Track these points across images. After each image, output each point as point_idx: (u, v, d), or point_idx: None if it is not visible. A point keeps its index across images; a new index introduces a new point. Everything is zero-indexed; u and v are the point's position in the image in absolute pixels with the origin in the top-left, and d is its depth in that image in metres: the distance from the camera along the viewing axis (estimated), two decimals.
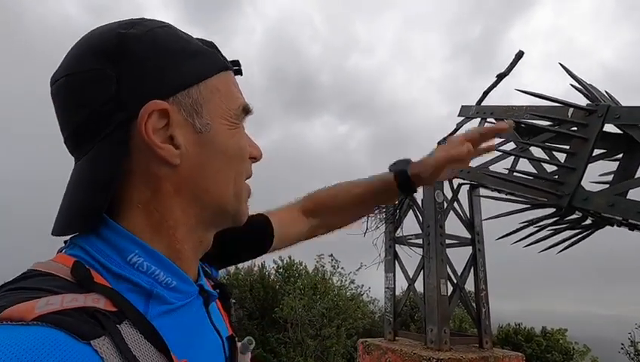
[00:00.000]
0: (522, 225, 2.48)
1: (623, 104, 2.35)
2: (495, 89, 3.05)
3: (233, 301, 0.61)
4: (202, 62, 0.47)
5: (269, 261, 10.46)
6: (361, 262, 9.01)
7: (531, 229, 2.50)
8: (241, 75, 0.55)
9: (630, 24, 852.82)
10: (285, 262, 10.29)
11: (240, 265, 10.21)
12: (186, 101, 0.44)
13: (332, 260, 9.72)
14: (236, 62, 0.54)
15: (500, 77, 2.94)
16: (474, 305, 3.18)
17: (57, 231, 0.43)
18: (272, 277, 10.01)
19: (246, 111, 0.52)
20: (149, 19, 0.47)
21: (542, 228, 2.45)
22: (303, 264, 10.36)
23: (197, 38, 0.50)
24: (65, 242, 0.44)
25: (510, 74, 2.97)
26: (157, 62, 0.43)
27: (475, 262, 3.12)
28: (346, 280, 9.63)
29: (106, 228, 0.42)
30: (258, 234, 0.78)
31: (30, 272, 0.38)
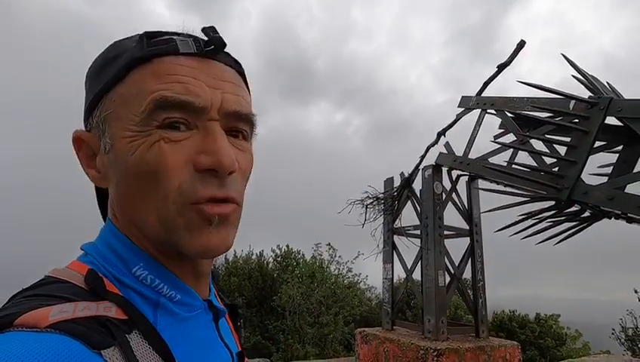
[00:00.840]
0: (521, 217, 2.49)
1: (622, 91, 2.33)
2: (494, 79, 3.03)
3: (242, 321, 0.59)
4: (108, 71, 0.42)
5: (267, 249, 10.53)
6: (358, 251, 9.08)
7: (530, 221, 2.51)
8: (210, 48, 0.42)
9: (630, 11, 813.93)
10: (283, 250, 10.35)
11: (238, 253, 10.27)
12: (95, 123, 0.43)
13: (329, 249, 9.79)
14: (205, 41, 0.42)
15: (501, 67, 2.90)
16: (471, 294, 3.22)
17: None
18: (270, 265, 10.08)
19: (163, 106, 0.39)
20: (130, 38, 0.44)
21: (541, 220, 2.46)
22: (301, 252, 10.43)
23: (139, 34, 0.43)
24: (82, 249, 0.44)
25: (512, 62, 2.94)
26: (86, 89, 0.46)
27: (473, 253, 3.13)
28: (343, 269, 9.72)
29: (111, 234, 0.43)
30: None
31: (46, 279, 0.38)
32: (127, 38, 0.44)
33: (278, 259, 10.35)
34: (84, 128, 0.46)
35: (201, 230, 0.40)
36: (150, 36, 0.42)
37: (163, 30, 0.44)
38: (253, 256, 10.26)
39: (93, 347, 0.31)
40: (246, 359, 0.54)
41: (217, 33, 0.43)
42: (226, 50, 0.45)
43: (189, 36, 0.43)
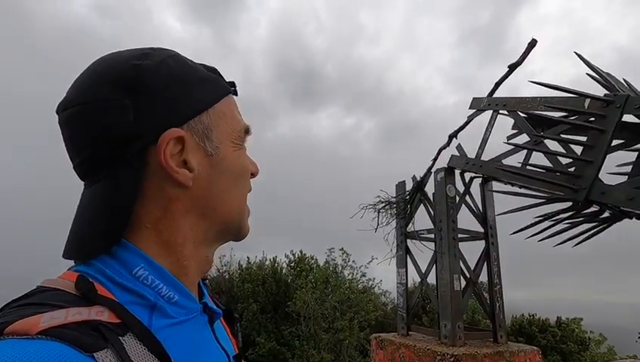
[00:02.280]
0: (537, 219, 2.44)
1: (637, 87, 2.27)
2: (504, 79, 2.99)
3: (238, 325, 0.62)
4: (209, 89, 0.51)
5: (281, 255, 10.55)
6: (372, 255, 9.01)
7: (547, 223, 2.45)
8: (237, 95, 0.58)
9: None
10: (297, 256, 10.36)
11: (252, 260, 10.32)
12: (198, 127, 0.48)
13: (343, 253, 9.75)
14: (232, 84, 0.57)
15: (512, 67, 2.87)
16: (487, 298, 3.15)
17: (69, 254, 0.44)
18: (283, 271, 10.09)
19: (247, 132, 0.56)
20: (159, 49, 0.49)
21: (557, 221, 2.41)
22: (314, 258, 10.42)
23: (201, 64, 0.53)
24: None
25: (523, 62, 2.90)
26: (170, 92, 0.46)
27: (489, 256, 3.08)
28: (357, 273, 9.66)
29: (118, 246, 0.44)
30: None
31: (38, 288, 0.39)
32: (190, 61, 0.52)
33: (292, 264, 10.36)
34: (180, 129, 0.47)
35: (247, 219, 0.56)
36: (217, 72, 0.55)
37: (213, 67, 0.56)
38: (267, 262, 10.29)
39: (86, 350, 0.32)
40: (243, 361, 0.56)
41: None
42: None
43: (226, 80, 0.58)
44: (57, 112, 0.47)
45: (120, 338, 0.36)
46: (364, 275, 9.73)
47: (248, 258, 10.30)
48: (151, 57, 0.47)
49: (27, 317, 0.32)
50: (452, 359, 2.45)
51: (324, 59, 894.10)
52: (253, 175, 0.58)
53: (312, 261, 10.34)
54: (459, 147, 3.03)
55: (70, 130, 0.45)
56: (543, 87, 2.33)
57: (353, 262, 9.72)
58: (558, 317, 9.67)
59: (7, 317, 0.33)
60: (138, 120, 0.43)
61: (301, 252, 10.51)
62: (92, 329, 0.35)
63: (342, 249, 9.81)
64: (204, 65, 0.54)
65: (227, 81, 0.56)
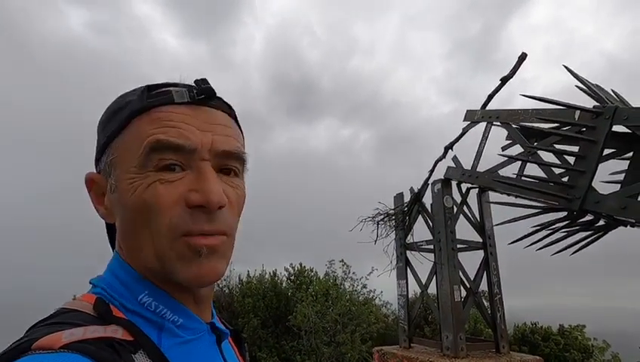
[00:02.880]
0: (534, 228, 2.47)
1: (630, 94, 2.33)
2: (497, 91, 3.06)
3: (245, 345, 0.63)
4: (116, 120, 0.48)
5: (280, 268, 10.49)
6: (372, 267, 8.98)
7: (544, 232, 2.49)
8: (201, 98, 0.48)
9: (632, 13, 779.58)
10: (296, 268, 10.30)
11: (252, 273, 10.24)
12: (103, 166, 0.50)
13: (343, 265, 9.70)
14: (166, 92, 0.48)
15: (504, 80, 2.94)
16: (488, 308, 3.16)
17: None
18: (284, 284, 10.02)
19: (156, 149, 0.44)
20: (124, 93, 0.52)
21: (554, 231, 2.44)
22: (314, 270, 10.35)
23: (141, 87, 0.49)
24: (90, 283, 0.49)
25: (514, 75, 2.97)
26: (97, 138, 0.52)
27: (488, 266, 3.10)
28: (357, 285, 9.60)
29: (118, 266, 0.48)
30: None
31: (59, 310, 0.43)
32: (132, 90, 0.50)
33: (292, 277, 10.28)
34: (94, 171, 0.53)
35: (191, 261, 0.44)
36: (151, 89, 0.49)
37: (162, 82, 0.50)
38: (267, 276, 10.21)
39: None
40: None
41: (208, 84, 0.50)
42: (218, 95, 0.51)
43: (185, 86, 0.49)
44: None
45: (132, 355, 0.39)
46: (364, 287, 9.67)
47: (248, 271, 10.24)
48: (112, 103, 0.52)
49: (50, 334, 0.36)
50: None
51: (319, 72, 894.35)
52: (192, 205, 0.44)
53: (312, 273, 10.28)
54: (455, 158, 3.08)
55: None
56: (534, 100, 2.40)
57: (353, 273, 9.67)
58: (560, 325, 9.60)
59: (34, 334, 0.37)
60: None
61: (301, 264, 10.45)
62: (107, 345, 0.38)
63: (342, 261, 9.78)
64: (148, 85, 0.49)
65: (160, 92, 0.48)
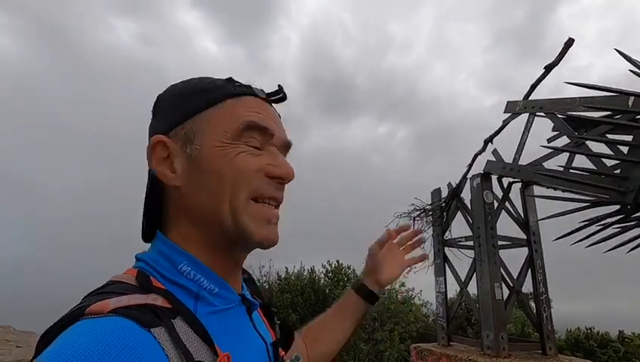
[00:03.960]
0: (582, 224, 2.32)
1: None
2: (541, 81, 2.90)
3: (277, 321, 0.68)
4: (200, 98, 0.55)
5: (318, 265, 10.60)
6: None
7: (593, 228, 2.33)
8: (259, 96, 0.58)
9: None
10: (333, 266, 10.36)
11: (290, 270, 10.45)
12: (180, 133, 0.55)
13: None
14: (248, 87, 0.59)
15: (549, 68, 2.78)
16: (534, 308, 3.02)
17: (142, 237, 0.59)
18: (321, 281, 10.11)
19: (251, 127, 0.54)
20: (190, 78, 0.60)
21: (605, 226, 2.28)
22: (351, 267, 10.36)
23: (221, 79, 0.58)
24: (135, 257, 0.57)
25: (560, 62, 2.81)
26: (164, 109, 0.58)
27: (533, 263, 2.96)
28: (395, 283, 9.46)
29: (161, 243, 0.54)
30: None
31: (108, 282, 0.49)
32: (211, 78, 0.59)
33: (329, 274, 10.36)
34: (157, 136, 0.55)
35: (262, 225, 0.54)
36: (232, 81, 0.58)
37: (236, 80, 0.59)
38: (305, 273, 10.37)
39: (145, 325, 0.41)
40: (280, 350, 0.61)
41: (283, 90, 0.62)
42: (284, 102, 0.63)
43: (259, 88, 0.61)
44: None
45: (171, 320, 0.44)
46: (403, 285, 9.53)
47: (287, 268, 10.45)
48: (191, 82, 0.58)
49: (100, 301, 0.42)
50: None
51: (355, 70, 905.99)
52: (278, 178, 0.55)
53: (350, 270, 10.29)
54: (495, 152, 2.97)
55: None
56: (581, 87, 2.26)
57: None
58: (620, 331, 8.86)
59: (86, 302, 0.43)
60: (150, 134, 0.57)
61: (338, 262, 10.49)
62: (149, 310, 0.43)
63: None
64: (223, 79, 0.58)
65: (243, 85, 0.57)
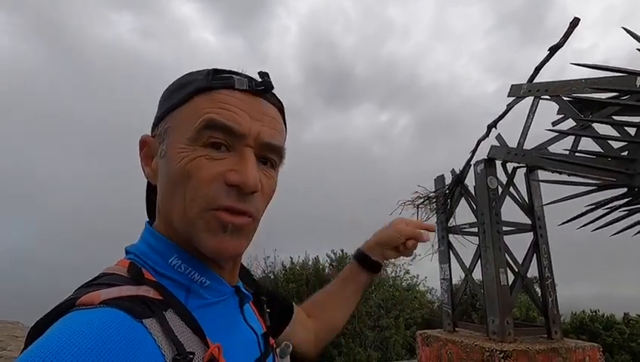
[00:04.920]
0: (588, 207, 2.30)
1: None
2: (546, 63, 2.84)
3: (268, 311, 0.67)
4: (180, 94, 0.53)
5: (322, 254, 10.66)
6: (414, 252, 8.84)
7: (601, 211, 2.31)
8: (259, 89, 0.52)
9: None
10: (338, 255, 10.41)
11: (295, 260, 10.53)
12: (158, 132, 0.55)
13: None
14: (227, 78, 0.52)
15: (554, 49, 2.72)
16: (539, 293, 3.01)
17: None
18: (326, 270, 10.18)
19: (209, 126, 0.48)
20: (191, 72, 0.57)
21: (612, 209, 2.25)
22: None
23: (207, 70, 0.53)
24: (125, 250, 0.56)
25: (565, 43, 2.74)
26: (159, 104, 0.57)
27: (538, 248, 2.94)
28: (400, 271, 9.53)
29: (152, 237, 0.53)
30: (281, 312, 0.78)
31: (100, 274, 0.49)
32: (198, 71, 0.55)
33: (334, 263, 10.42)
34: (149, 134, 0.58)
35: (216, 234, 0.48)
36: (217, 72, 0.52)
37: (228, 69, 0.54)
38: (310, 262, 10.43)
39: (136, 316, 0.40)
40: (271, 339, 0.62)
41: (269, 78, 0.53)
42: (273, 91, 0.55)
43: (246, 77, 0.53)
44: None
45: (163, 311, 0.44)
46: (407, 272, 9.59)
47: (291, 258, 10.52)
48: (179, 78, 0.57)
49: (91, 293, 0.42)
50: (502, 355, 2.38)
51: (354, 58, 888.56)
52: (230, 184, 0.47)
53: None
54: (499, 137, 2.93)
55: None
56: (587, 68, 2.20)
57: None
58: (625, 314, 8.89)
59: (77, 294, 0.43)
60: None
61: (342, 251, 10.54)
62: (140, 302, 0.42)
63: None
64: (208, 70, 0.53)
65: (224, 76, 0.51)
